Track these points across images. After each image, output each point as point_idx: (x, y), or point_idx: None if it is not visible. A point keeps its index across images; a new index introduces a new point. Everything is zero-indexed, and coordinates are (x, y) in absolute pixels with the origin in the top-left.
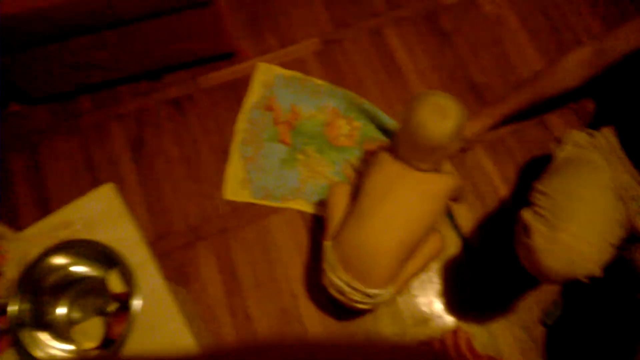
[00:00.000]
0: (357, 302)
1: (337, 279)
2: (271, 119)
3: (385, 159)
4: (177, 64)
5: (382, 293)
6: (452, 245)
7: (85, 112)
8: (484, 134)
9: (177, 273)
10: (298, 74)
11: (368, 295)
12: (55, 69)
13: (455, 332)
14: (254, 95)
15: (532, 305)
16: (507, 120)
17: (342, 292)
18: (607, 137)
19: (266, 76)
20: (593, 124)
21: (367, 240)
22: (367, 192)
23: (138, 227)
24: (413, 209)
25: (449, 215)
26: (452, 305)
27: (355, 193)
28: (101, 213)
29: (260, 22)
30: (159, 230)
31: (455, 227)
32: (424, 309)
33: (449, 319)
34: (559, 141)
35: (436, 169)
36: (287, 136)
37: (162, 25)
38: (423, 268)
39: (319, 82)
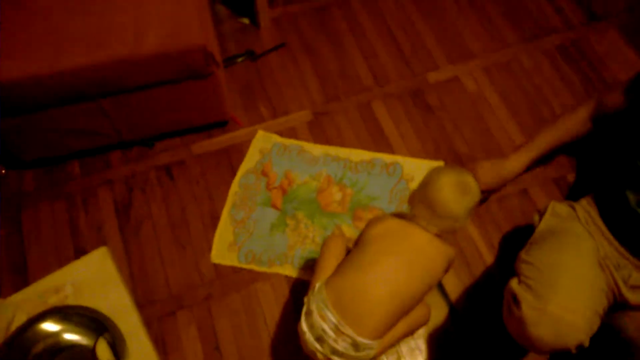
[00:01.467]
0: (336, 352)
1: (323, 320)
2: (265, 184)
3: (392, 217)
4: (171, 131)
5: (370, 345)
6: (440, 312)
7: (73, 177)
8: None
9: (158, 344)
10: (296, 143)
11: (354, 345)
12: (49, 135)
13: None
14: (250, 161)
15: None
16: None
17: (322, 339)
18: (586, 208)
19: (264, 143)
20: (573, 195)
21: (366, 287)
22: (371, 243)
23: (129, 292)
24: (416, 267)
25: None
26: None
27: (355, 244)
28: (92, 278)
29: (254, 93)
30: (140, 298)
31: (443, 292)
32: None
33: None
34: (540, 212)
35: (441, 236)
36: (278, 201)
37: (161, 95)
38: (408, 334)
39: (317, 152)
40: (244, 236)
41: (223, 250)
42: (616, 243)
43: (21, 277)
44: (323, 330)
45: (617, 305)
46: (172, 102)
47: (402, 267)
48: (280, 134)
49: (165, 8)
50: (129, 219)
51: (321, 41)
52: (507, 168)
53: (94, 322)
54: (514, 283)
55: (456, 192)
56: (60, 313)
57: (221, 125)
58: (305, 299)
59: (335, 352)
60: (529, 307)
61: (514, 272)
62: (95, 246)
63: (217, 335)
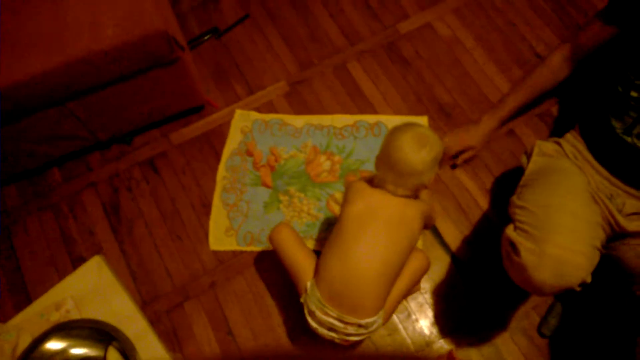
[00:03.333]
0: (351, 335)
1: (327, 316)
2: (251, 164)
3: (363, 188)
4: (147, 124)
5: (375, 320)
6: (444, 264)
7: (55, 185)
8: (485, 141)
9: (170, 338)
10: (276, 117)
11: (362, 326)
12: (20, 147)
13: (450, 354)
14: (232, 142)
15: (529, 311)
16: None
17: (334, 329)
18: (572, 142)
19: (244, 122)
20: (558, 129)
21: (354, 270)
22: (348, 222)
23: (131, 297)
24: (394, 235)
25: (437, 233)
26: (452, 324)
27: (335, 225)
28: (92, 288)
29: (225, 72)
30: (145, 295)
31: (444, 245)
32: (426, 331)
33: (451, 339)
34: (527, 153)
35: (412, 196)
36: (268, 179)
37: (129, 89)
38: (411, 288)
39: (299, 123)
40: (239, 219)
41: (220, 236)
42: (606, 173)
43: (22, 296)
44: (331, 323)
45: (615, 236)
46: (142, 94)
47: (382, 240)
48: (259, 110)
49: None
50: (120, 219)
51: (285, 6)
52: (474, 134)
53: (99, 333)
54: (509, 230)
55: (414, 146)
56: (65, 329)
57: (197, 110)
58: (302, 300)
59: (349, 334)
60: (527, 252)
61: (510, 219)
62: (90, 251)
63: (228, 320)
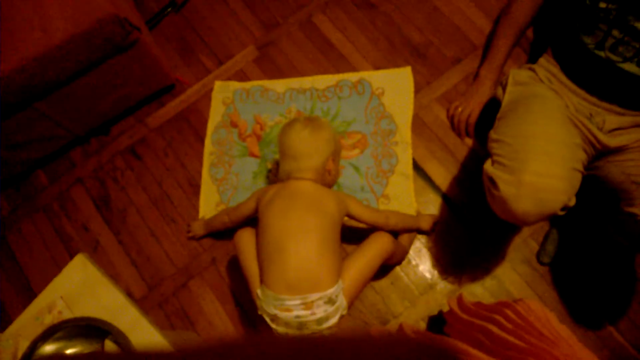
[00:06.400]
0: (322, 320)
1: (289, 311)
2: (237, 135)
3: (272, 186)
4: (121, 112)
5: (337, 289)
6: (436, 206)
7: (43, 187)
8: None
9: (181, 317)
10: (257, 84)
11: (329, 301)
12: None
13: (459, 298)
14: (216, 115)
15: (527, 239)
16: None
17: (302, 325)
18: (546, 67)
19: (224, 93)
20: (535, 52)
21: (298, 256)
22: (270, 213)
23: (119, 289)
24: (317, 207)
25: (426, 177)
26: (452, 263)
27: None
28: (80, 286)
29: (190, 45)
30: (150, 281)
31: (434, 187)
32: (427, 275)
33: (453, 278)
34: (502, 84)
35: (320, 180)
36: (256, 149)
37: (93, 79)
38: (372, 269)
39: (280, 88)
40: (229, 192)
41: (211, 211)
42: (583, 93)
43: (28, 299)
44: (296, 317)
45: (598, 155)
46: (109, 83)
47: (308, 214)
48: (231, 79)
49: None
50: (112, 210)
51: None
52: (483, 91)
53: (93, 329)
54: (487, 165)
55: (298, 128)
56: (59, 330)
57: (169, 90)
58: (259, 311)
59: (319, 321)
60: (505, 184)
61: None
62: (88, 246)
63: (235, 292)
